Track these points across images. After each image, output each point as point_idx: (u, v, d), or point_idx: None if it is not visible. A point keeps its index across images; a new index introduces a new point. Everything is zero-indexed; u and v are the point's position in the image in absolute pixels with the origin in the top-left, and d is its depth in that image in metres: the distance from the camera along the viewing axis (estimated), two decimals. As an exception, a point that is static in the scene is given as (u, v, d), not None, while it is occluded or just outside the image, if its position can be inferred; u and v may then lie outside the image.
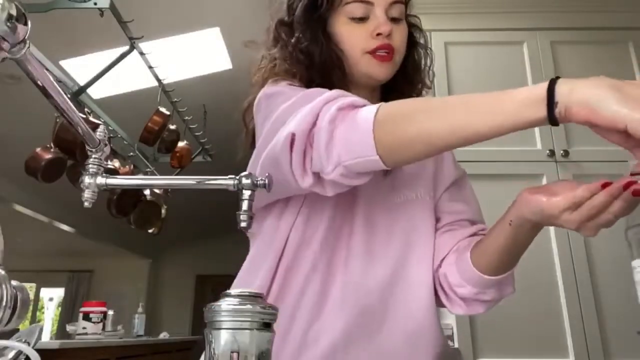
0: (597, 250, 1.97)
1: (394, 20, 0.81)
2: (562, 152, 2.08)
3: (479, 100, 0.57)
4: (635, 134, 0.49)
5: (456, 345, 1.86)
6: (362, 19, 0.80)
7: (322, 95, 0.67)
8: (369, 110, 0.62)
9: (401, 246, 0.83)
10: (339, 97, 0.66)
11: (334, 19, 0.82)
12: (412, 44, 0.88)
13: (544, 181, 2.05)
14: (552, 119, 0.56)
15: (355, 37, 0.80)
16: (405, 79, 0.87)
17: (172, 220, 4.06)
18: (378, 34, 0.79)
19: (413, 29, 0.89)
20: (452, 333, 1.89)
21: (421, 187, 0.86)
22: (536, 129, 2.13)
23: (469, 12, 2.30)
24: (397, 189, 0.85)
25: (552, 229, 1.99)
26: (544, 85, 0.57)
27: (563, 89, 0.58)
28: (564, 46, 2.27)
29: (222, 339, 0.52)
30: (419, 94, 0.91)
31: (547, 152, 2.08)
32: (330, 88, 0.72)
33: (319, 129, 0.63)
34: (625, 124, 0.50)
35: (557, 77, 0.58)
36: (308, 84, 0.81)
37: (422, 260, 0.83)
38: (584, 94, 0.56)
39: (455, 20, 2.29)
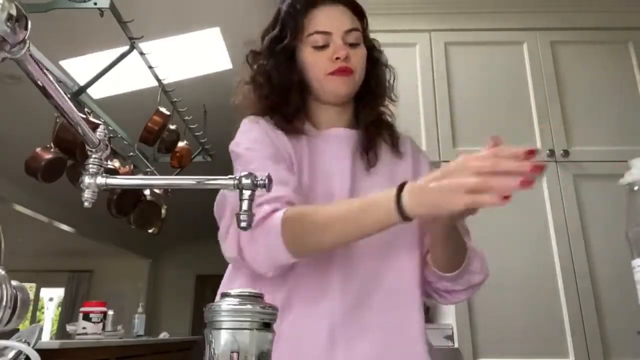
0: (597, 250, 1.97)
1: (351, 45, 0.94)
2: (562, 152, 2.08)
3: (357, 215, 0.75)
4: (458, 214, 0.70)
5: (456, 345, 1.87)
6: (324, 47, 0.93)
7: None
8: (274, 225, 0.77)
9: (381, 256, 0.89)
10: (261, 206, 0.78)
11: (300, 49, 0.95)
12: (374, 63, 1.01)
13: (544, 181, 2.05)
14: (407, 219, 0.70)
15: (319, 62, 0.93)
16: (371, 94, 1.00)
17: (172, 220, 4.06)
18: (337, 58, 0.91)
19: (373, 50, 1.02)
20: (452, 333, 1.89)
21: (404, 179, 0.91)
22: (536, 129, 2.13)
23: (469, 12, 2.31)
24: (384, 181, 0.92)
25: (552, 229, 1.99)
26: (393, 196, 0.70)
27: (404, 200, 0.70)
28: (564, 46, 2.27)
29: (222, 339, 0.52)
30: (382, 106, 1.03)
31: (547, 152, 2.08)
32: (288, 109, 0.95)
33: (243, 251, 0.81)
34: (448, 214, 0.69)
35: (404, 184, 0.71)
36: (268, 106, 0.96)
37: (404, 269, 0.89)
38: (416, 200, 0.69)
39: (455, 20, 2.29)
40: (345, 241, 0.79)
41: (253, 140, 0.91)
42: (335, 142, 0.96)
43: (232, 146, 0.93)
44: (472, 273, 0.88)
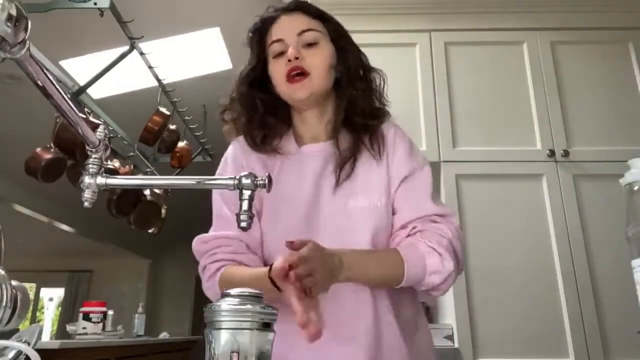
0: (597, 250, 1.96)
1: (309, 45, 0.95)
2: (562, 152, 2.08)
3: (259, 286, 0.75)
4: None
5: (456, 345, 1.86)
6: (281, 54, 0.95)
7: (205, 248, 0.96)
8: (216, 285, 0.91)
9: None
10: (204, 271, 0.95)
11: (269, 65, 0.98)
12: (345, 62, 0.99)
13: (544, 181, 2.05)
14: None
15: (277, 69, 0.96)
16: (343, 89, 0.99)
17: (172, 220, 4.06)
18: (288, 61, 0.93)
19: (347, 50, 1.00)
20: (452, 333, 1.89)
21: (375, 193, 0.95)
22: (536, 129, 2.13)
23: (469, 12, 2.30)
24: (355, 195, 0.95)
25: (552, 229, 1.99)
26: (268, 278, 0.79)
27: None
28: (564, 46, 2.27)
29: (222, 339, 0.52)
30: (373, 109, 1.01)
31: (547, 152, 2.08)
32: (262, 133, 0.99)
33: (204, 288, 0.96)
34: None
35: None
36: (245, 130, 1.01)
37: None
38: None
39: (455, 20, 2.29)
40: None
41: (227, 167, 1.01)
42: (305, 161, 0.98)
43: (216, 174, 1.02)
44: (429, 275, 0.88)
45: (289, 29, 0.96)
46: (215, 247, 0.95)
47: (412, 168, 0.97)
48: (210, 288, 0.94)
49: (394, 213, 0.96)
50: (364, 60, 1.03)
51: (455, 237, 0.92)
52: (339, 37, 1.00)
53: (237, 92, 1.01)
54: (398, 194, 0.96)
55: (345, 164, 0.96)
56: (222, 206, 0.98)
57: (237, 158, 1.01)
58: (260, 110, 0.99)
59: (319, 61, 0.94)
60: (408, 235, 0.92)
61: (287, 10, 0.98)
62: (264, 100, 1.00)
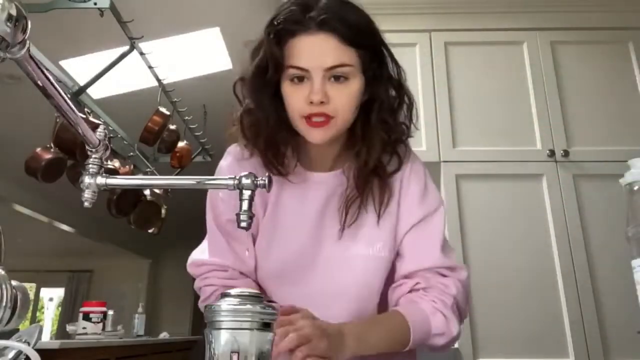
0: (597, 250, 1.96)
1: (336, 79, 0.79)
2: (562, 152, 2.08)
3: None
4: None
5: (456, 345, 1.86)
6: (302, 79, 0.80)
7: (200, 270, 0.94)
8: None
9: (350, 299, 0.90)
10: (200, 291, 0.93)
11: (283, 81, 0.82)
12: (373, 98, 0.86)
13: (544, 181, 2.05)
14: None
15: (294, 101, 0.81)
16: (371, 129, 0.86)
17: (172, 220, 4.06)
18: (311, 102, 0.78)
19: (378, 80, 0.85)
20: (452, 333, 1.89)
21: (380, 241, 0.89)
22: (536, 129, 2.13)
23: (469, 12, 2.30)
24: (355, 242, 0.89)
25: (552, 229, 1.99)
26: None
27: None
28: (564, 46, 2.27)
29: (222, 339, 0.52)
30: (393, 140, 0.89)
31: (547, 152, 2.08)
32: (276, 149, 0.87)
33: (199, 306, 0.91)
34: None
35: None
36: (256, 143, 0.88)
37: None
38: None
39: (455, 20, 2.29)
40: None
41: (220, 202, 0.92)
42: (309, 190, 0.90)
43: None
44: (432, 337, 0.84)
45: (315, 58, 0.78)
46: (208, 271, 0.93)
47: (423, 214, 0.90)
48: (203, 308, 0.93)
49: (398, 257, 0.90)
50: (396, 79, 0.88)
51: (461, 293, 0.88)
52: (372, 62, 0.83)
53: (261, 103, 0.85)
54: (406, 240, 0.90)
55: (350, 208, 0.88)
56: (216, 231, 0.93)
57: (233, 172, 0.89)
58: (286, 130, 0.86)
59: (346, 104, 0.80)
60: (411, 290, 0.87)
61: (318, 26, 0.78)
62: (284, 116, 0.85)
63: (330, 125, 0.81)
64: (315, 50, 0.79)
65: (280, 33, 0.80)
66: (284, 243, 0.90)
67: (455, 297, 0.86)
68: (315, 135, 0.82)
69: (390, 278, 0.92)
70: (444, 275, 0.88)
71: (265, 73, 0.81)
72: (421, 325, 0.82)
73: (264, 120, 0.85)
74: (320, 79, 0.78)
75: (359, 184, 0.88)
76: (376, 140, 0.86)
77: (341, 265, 0.89)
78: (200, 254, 0.96)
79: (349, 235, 0.89)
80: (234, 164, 0.93)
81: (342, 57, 0.79)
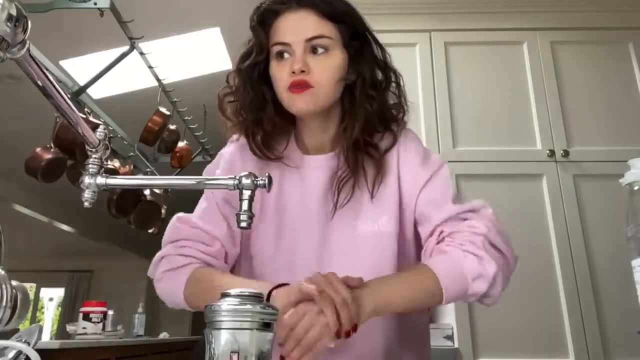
0: (597, 250, 1.97)
1: (316, 51, 0.84)
2: (562, 152, 2.08)
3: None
4: None
5: (456, 345, 1.86)
6: (285, 58, 0.85)
7: (173, 236, 0.90)
8: (181, 281, 0.84)
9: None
10: (165, 258, 0.88)
11: (270, 62, 0.87)
12: (358, 70, 0.87)
13: (544, 181, 2.05)
14: None
15: (279, 76, 0.85)
16: (355, 102, 0.88)
17: (172, 220, 4.05)
18: (292, 72, 0.82)
19: (361, 53, 0.88)
20: (452, 333, 1.89)
21: (384, 215, 0.88)
22: (536, 129, 2.13)
23: (469, 12, 2.30)
24: (358, 219, 0.88)
25: (552, 229, 1.99)
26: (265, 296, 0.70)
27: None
28: (564, 46, 2.27)
29: (222, 339, 0.52)
30: (380, 115, 0.90)
31: (547, 152, 2.08)
32: (262, 132, 0.89)
33: (154, 281, 0.89)
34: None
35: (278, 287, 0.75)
36: (244, 129, 0.91)
37: None
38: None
39: (455, 20, 2.29)
40: None
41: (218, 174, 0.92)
42: (310, 177, 0.91)
43: (204, 171, 0.96)
44: (472, 283, 0.77)
45: (297, 33, 0.83)
46: (193, 238, 0.87)
47: (429, 174, 0.89)
48: (165, 280, 0.86)
49: (419, 225, 0.88)
50: (382, 60, 0.91)
51: (492, 230, 0.80)
52: (353, 40, 0.87)
53: (244, 85, 0.89)
54: (419, 202, 0.88)
55: (342, 187, 0.87)
56: (211, 196, 0.91)
57: (233, 160, 0.93)
58: (270, 111, 0.89)
59: (327, 73, 0.84)
60: (437, 243, 0.83)
61: (298, 3, 0.84)
62: (273, 99, 0.89)
63: (310, 93, 0.83)
64: (297, 25, 0.84)
65: (264, 15, 0.86)
66: (294, 231, 0.88)
67: (486, 235, 0.79)
68: (297, 104, 0.84)
69: (406, 257, 0.89)
70: (467, 219, 0.83)
71: (251, 54, 0.87)
72: (451, 271, 0.77)
73: (248, 102, 0.88)
74: (302, 51, 0.83)
75: (349, 161, 0.88)
76: (360, 113, 0.88)
77: (351, 246, 0.87)
78: (191, 215, 0.92)
79: (352, 214, 0.88)
80: (236, 150, 0.94)
81: (321, 29, 0.84)
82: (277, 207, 0.90)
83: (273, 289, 0.74)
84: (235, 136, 0.96)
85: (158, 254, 0.89)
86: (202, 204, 0.93)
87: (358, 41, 0.88)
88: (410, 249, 0.90)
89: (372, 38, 0.91)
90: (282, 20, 0.85)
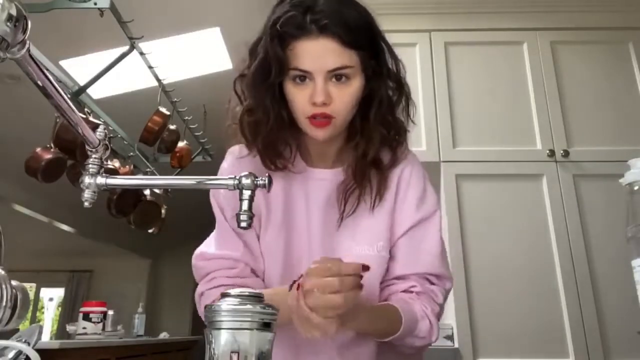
0: (597, 250, 1.97)
1: (338, 79, 0.82)
2: (562, 152, 2.08)
3: None
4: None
5: (456, 345, 1.86)
6: (304, 83, 0.82)
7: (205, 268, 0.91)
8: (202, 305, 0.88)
9: None
10: (201, 295, 0.91)
11: (285, 81, 0.84)
12: (372, 96, 0.88)
13: (544, 181, 2.05)
14: None
15: (298, 101, 0.83)
16: (369, 123, 0.89)
17: (172, 220, 4.06)
18: (314, 103, 0.81)
19: (376, 79, 0.87)
20: (452, 333, 1.89)
21: (380, 240, 0.91)
22: (536, 129, 2.13)
23: (469, 12, 2.30)
24: (356, 239, 0.90)
25: (552, 229, 1.99)
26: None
27: None
28: (564, 46, 2.27)
29: (222, 339, 0.52)
30: (393, 133, 0.92)
31: (547, 152, 2.08)
32: (275, 147, 0.89)
33: (200, 313, 0.86)
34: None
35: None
36: (255, 141, 0.91)
37: None
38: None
39: (455, 20, 2.29)
40: None
41: (222, 198, 0.93)
42: (314, 188, 0.92)
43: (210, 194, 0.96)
44: (413, 337, 0.86)
45: (317, 61, 0.80)
46: (216, 269, 0.89)
47: (419, 218, 0.92)
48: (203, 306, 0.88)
49: (391, 258, 0.92)
50: (394, 72, 0.90)
51: (443, 304, 0.93)
52: (372, 59, 0.86)
53: (263, 103, 0.87)
54: (401, 242, 0.92)
55: (349, 198, 0.90)
56: (224, 220, 0.92)
57: (233, 171, 0.92)
58: (286, 129, 0.89)
59: (347, 103, 0.83)
60: (404, 291, 0.90)
61: (319, 32, 0.80)
62: (288, 115, 0.88)
63: (331, 124, 0.84)
64: (318, 54, 0.81)
65: (283, 37, 0.82)
66: (298, 244, 0.91)
67: (441, 306, 0.91)
68: (318, 134, 0.85)
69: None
70: (432, 283, 0.91)
71: (268, 74, 0.83)
72: (410, 324, 0.84)
73: (264, 119, 0.87)
74: (322, 81, 0.81)
75: (356, 174, 0.90)
76: (375, 136, 0.89)
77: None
78: (206, 247, 0.93)
79: (349, 233, 0.91)
80: (235, 162, 0.95)
81: (343, 60, 0.81)
82: (285, 218, 0.92)
83: (292, 285, 0.75)
84: (233, 147, 0.97)
85: (196, 293, 0.93)
86: (215, 232, 0.95)
87: (376, 59, 0.86)
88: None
89: (388, 49, 0.90)
90: (302, 46, 0.81)
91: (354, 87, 0.83)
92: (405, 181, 0.94)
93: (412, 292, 0.89)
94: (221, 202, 0.93)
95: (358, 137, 0.90)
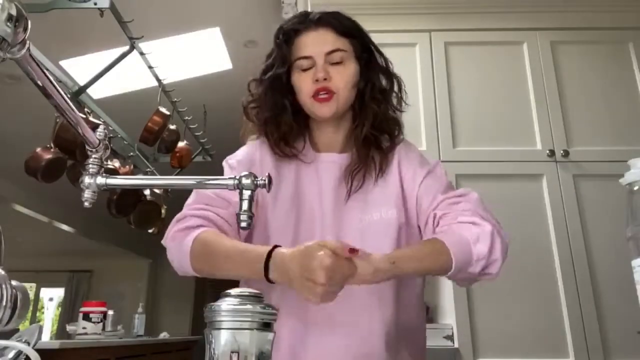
0: (597, 250, 1.97)
1: (336, 64, 0.98)
2: (562, 152, 2.08)
3: (240, 263, 0.85)
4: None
5: (456, 345, 1.86)
6: (308, 69, 0.99)
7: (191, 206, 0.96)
8: (189, 240, 0.90)
9: None
10: (181, 220, 0.94)
11: (292, 73, 1.01)
12: (367, 79, 1.02)
13: (544, 181, 2.05)
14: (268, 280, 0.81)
15: (303, 84, 0.99)
16: (362, 113, 1.02)
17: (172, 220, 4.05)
18: (316, 80, 0.96)
19: (369, 64, 1.03)
20: (452, 333, 1.89)
21: (385, 206, 0.98)
22: (536, 129, 2.13)
23: (469, 12, 2.30)
24: (366, 210, 0.98)
25: (552, 229, 1.99)
26: (263, 260, 0.80)
27: (270, 266, 0.80)
28: (564, 46, 2.27)
29: (222, 339, 0.52)
30: (385, 115, 1.04)
31: (547, 152, 2.08)
32: (280, 133, 1.01)
33: (164, 241, 0.97)
34: None
35: (275, 247, 0.82)
36: (264, 130, 1.03)
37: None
38: (277, 272, 0.80)
39: (455, 20, 2.29)
40: (231, 277, 0.89)
41: (236, 161, 1.03)
42: (324, 171, 1.01)
43: (224, 161, 1.06)
44: (472, 248, 0.87)
45: (317, 47, 0.98)
46: (208, 203, 0.94)
47: (426, 170, 1.02)
48: (177, 240, 0.92)
49: (418, 215, 0.99)
50: (385, 67, 1.05)
51: (479, 205, 0.94)
52: (363, 52, 1.02)
53: (266, 93, 1.02)
54: (419, 194, 0.99)
55: (356, 174, 0.99)
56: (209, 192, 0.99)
57: (252, 159, 1.03)
58: (289, 115, 1.02)
59: (345, 81, 0.98)
60: (433, 225, 0.95)
61: (316, 24, 1.00)
62: (291, 105, 1.02)
63: (333, 99, 0.97)
64: (317, 41, 0.99)
65: (287, 34, 1.01)
66: (309, 221, 0.96)
67: (474, 208, 0.92)
68: (322, 110, 0.98)
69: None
70: (457, 203, 0.95)
71: (272, 67, 1.00)
72: (454, 240, 0.86)
73: (272, 107, 1.01)
74: (322, 62, 0.97)
75: (360, 155, 1.01)
76: (369, 113, 1.02)
77: (357, 233, 0.95)
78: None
79: (360, 204, 0.98)
80: (257, 144, 1.05)
81: (337, 44, 0.99)
82: (295, 198, 0.99)
83: (273, 249, 0.80)
84: (253, 136, 1.07)
85: (177, 215, 0.97)
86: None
87: (366, 53, 1.03)
88: (416, 237, 1.00)
89: (376, 49, 1.05)
90: (304, 38, 1.00)
91: (349, 69, 0.99)
92: (404, 156, 1.05)
93: (437, 223, 0.93)
94: (233, 165, 1.02)
95: (358, 118, 1.03)
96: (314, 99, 0.97)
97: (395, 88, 1.06)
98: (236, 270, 0.87)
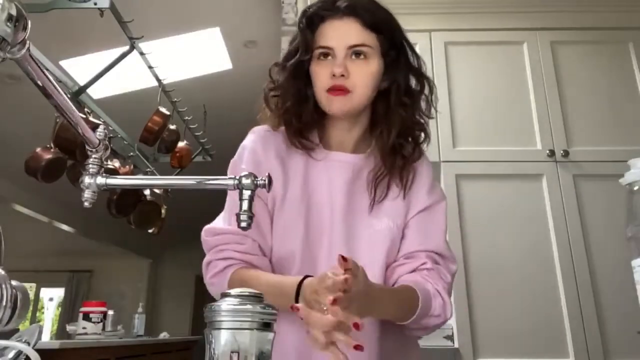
0: (597, 250, 1.97)
1: (357, 55, 0.90)
2: (562, 152, 2.08)
3: (273, 297, 0.73)
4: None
5: (456, 345, 1.86)
6: (327, 60, 0.91)
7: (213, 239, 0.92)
8: (225, 284, 0.88)
9: (374, 274, 0.90)
10: (208, 266, 0.92)
11: (312, 63, 0.93)
12: (393, 79, 0.94)
13: (544, 181, 2.05)
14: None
15: (320, 77, 0.91)
16: (387, 116, 0.95)
17: (172, 220, 4.06)
18: (333, 75, 0.89)
19: (396, 63, 0.94)
20: (452, 333, 1.89)
21: (399, 217, 0.96)
22: (536, 129, 2.13)
23: (469, 12, 2.30)
24: (379, 217, 0.95)
25: (552, 229, 1.99)
26: (293, 292, 0.79)
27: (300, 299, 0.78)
28: (564, 46, 2.27)
29: (222, 339, 0.52)
30: (412, 121, 0.96)
31: (547, 152, 2.08)
32: (300, 124, 0.95)
33: (205, 282, 0.93)
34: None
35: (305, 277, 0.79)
36: (281, 120, 0.97)
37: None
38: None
39: (455, 20, 2.29)
40: None
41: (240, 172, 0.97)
42: (334, 170, 0.96)
43: (229, 166, 0.99)
44: (429, 317, 0.88)
45: (341, 39, 0.90)
46: (225, 242, 0.91)
47: (430, 202, 0.98)
48: (215, 285, 0.90)
49: (402, 238, 0.96)
50: (416, 67, 0.97)
51: (451, 283, 0.95)
52: (390, 50, 0.93)
53: (287, 80, 0.95)
54: (411, 223, 0.96)
55: (379, 185, 0.95)
56: (236, 199, 0.95)
57: (255, 150, 0.97)
58: (311, 105, 0.95)
59: (364, 79, 0.90)
60: (414, 270, 0.92)
61: (343, 12, 0.91)
62: (313, 94, 0.95)
63: (347, 97, 0.90)
64: (341, 32, 0.91)
65: (312, 19, 0.93)
66: (318, 221, 0.93)
67: (450, 284, 0.94)
68: (335, 105, 0.91)
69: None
70: (438, 263, 0.94)
71: (295, 54, 0.93)
72: (425, 303, 0.86)
73: (290, 95, 0.94)
74: (343, 55, 0.90)
75: (385, 162, 0.95)
76: (395, 119, 0.94)
77: (368, 240, 0.93)
78: (216, 223, 0.95)
79: (375, 212, 0.95)
80: (258, 140, 0.98)
81: (363, 38, 0.90)
82: (304, 195, 0.94)
83: (303, 279, 0.78)
84: (256, 127, 1.01)
85: (204, 262, 0.94)
86: (225, 208, 0.97)
87: (395, 50, 0.93)
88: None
89: (409, 47, 0.96)
90: (328, 26, 0.92)
91: (371, 67, 0.91)
92: (419, 172, 1.00)
93: (422, 269, 0.92)
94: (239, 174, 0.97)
95: (382, 125, 0.96)
96: (328, 94, 0.90)
97: (426, 91, 0.97)
98: (274, 302, 0.83)
